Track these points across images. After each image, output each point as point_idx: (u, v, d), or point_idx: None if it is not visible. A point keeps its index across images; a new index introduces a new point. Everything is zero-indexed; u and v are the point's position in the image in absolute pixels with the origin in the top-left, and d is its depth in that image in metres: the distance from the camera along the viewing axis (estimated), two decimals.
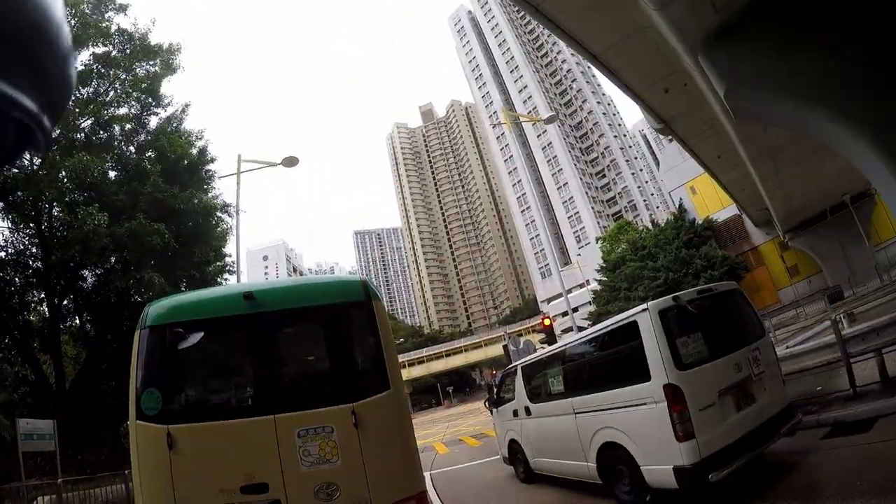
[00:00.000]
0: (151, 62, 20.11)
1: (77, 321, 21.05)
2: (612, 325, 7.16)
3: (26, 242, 19.06)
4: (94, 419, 18.96)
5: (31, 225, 18.34)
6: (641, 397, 6.19)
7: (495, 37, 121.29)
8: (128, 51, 19.45)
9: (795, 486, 5.94)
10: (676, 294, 6.73)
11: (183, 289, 18.59)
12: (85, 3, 18.53)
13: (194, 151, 21.29)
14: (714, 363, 6.24)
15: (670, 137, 16.11)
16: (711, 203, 46.02)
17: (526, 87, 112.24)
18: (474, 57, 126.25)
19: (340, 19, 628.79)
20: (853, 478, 5.57)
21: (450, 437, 24.36)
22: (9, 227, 18.59)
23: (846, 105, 5.36)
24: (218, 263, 22.13)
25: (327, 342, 5.37)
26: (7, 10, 0.56)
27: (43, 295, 19.32)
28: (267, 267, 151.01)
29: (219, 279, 21.80)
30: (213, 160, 22.09)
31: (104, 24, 18.95)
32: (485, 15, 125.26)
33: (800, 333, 19.04)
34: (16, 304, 18.88)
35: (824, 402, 8.87)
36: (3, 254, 18.53)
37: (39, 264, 18.67)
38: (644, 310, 6.36)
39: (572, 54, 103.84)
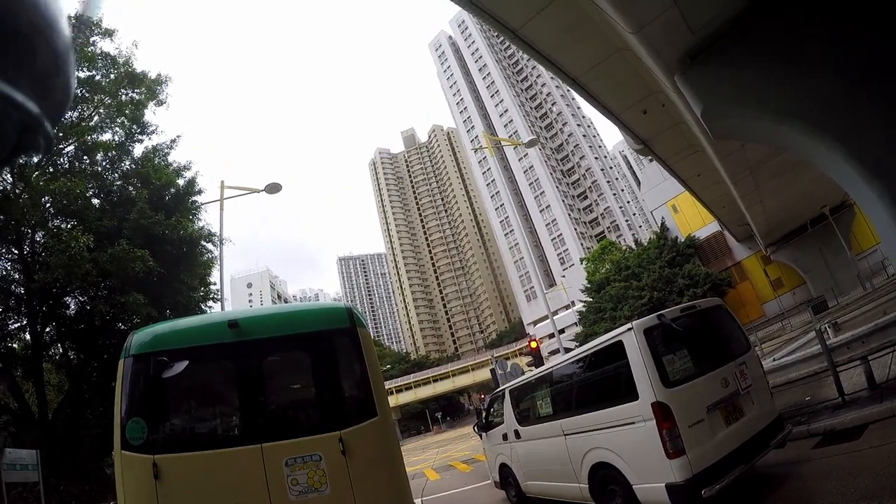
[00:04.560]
0: (137, 90, 20.00)
1: (60, 349, 20.65)
2: (597, 345, 7.16)
3: (8, 268, 18.75)
4: (79, 449, 18.52)
5: (14, 250, 18.06)
6: (630, 416, 6.18)
7: (476, 62, 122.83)
8: (112, 76, 19.34)
9: (788, 497, 5.94)
10: (661, 312, 6.77)
11: (168, 315, 18.36)
12: (70, 27, 18.45)
13: (181, 182, 21.12)
14: (701, 379, 6.26)
15: (650, 157, 16.32)
16: (693, 221, 46.56)
17: (507, 111, 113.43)
18: (455, 82, 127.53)
19: (322, 42, 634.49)
20: (845, 485, 5.59)
21: (440, 463, 24.07)
22: None
23: (822, 120, 5.47)
24: (202, 291, 21.87)
25: (313, 370, 5.35)
26: (7, 10, 0.57)
27: (25, 322, 18.96)
28: (251, 294, 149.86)
29: (204, 306, 21.55)
30: (200, 192, 21.84)
31: (89, 49, 18.89)
32: (465, 40, 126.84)
33: (786, 345, 19.20)
34: None
35: (813, 412, 8.93)
36: None
37: (21, 290, 18.35)
38: (629, 329, 6.39)
39: (552, 78, 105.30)
